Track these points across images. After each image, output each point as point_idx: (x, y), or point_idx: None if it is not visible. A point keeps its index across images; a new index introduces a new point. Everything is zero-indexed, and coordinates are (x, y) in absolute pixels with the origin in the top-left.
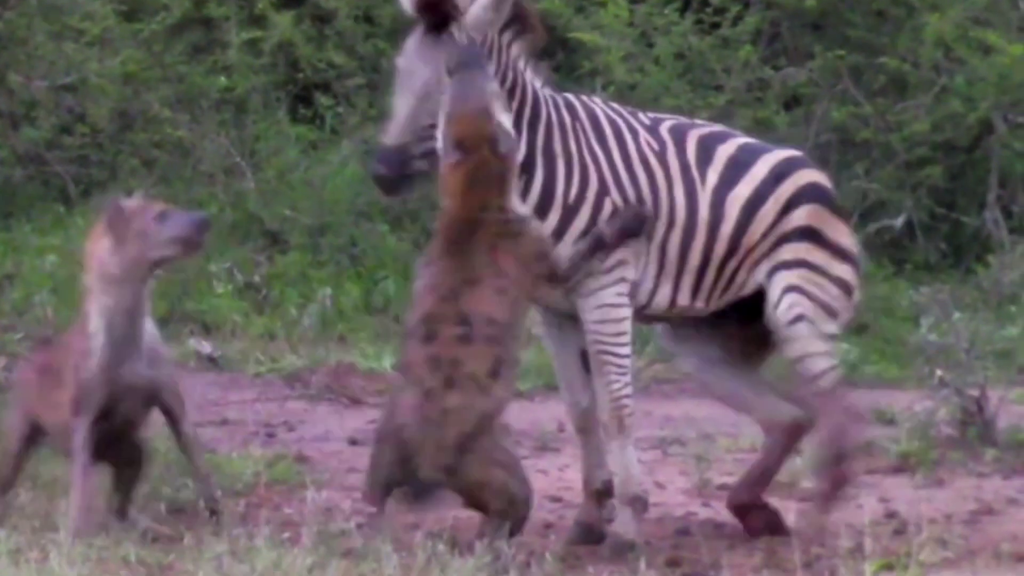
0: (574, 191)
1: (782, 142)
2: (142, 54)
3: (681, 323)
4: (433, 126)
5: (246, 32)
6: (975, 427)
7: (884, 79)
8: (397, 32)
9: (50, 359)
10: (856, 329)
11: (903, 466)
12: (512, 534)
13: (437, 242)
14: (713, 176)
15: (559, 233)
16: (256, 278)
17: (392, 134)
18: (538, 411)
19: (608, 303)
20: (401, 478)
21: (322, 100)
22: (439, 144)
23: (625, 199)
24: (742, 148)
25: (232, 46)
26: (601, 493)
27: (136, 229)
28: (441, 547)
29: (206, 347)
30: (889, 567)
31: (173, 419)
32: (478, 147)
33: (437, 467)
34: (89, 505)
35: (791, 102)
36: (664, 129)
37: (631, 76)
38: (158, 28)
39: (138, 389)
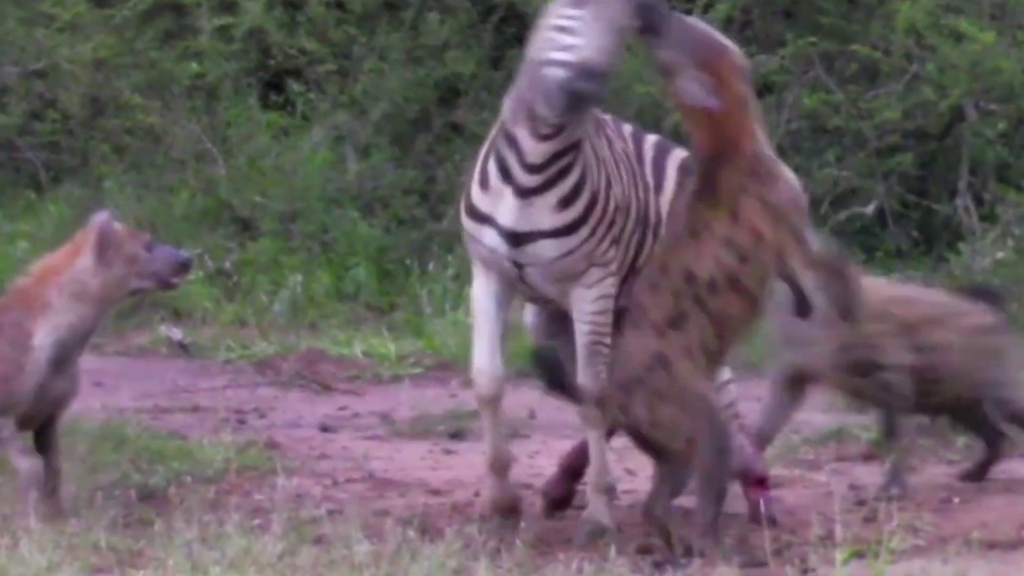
0: (602, 184)
1: None
2: (113, 40)
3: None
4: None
5: (217, 18)
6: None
7: (855, 66)
8: (368, 18)
9: None
10: None
11: (873, 454)
12: (710, 491)
13: (693, 182)
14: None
15: (580, 222)
16: (227, 265)
17: (594, 55)
18: (509, 398)
19: (607, 294)
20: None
21: (293, 86)
22: (687, 84)
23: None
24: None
25: (203, 32)
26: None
27: (127, 254)
28: (412, 534)
29: (177, 334)
30: (860, 554)
31: (55, 417)
32: (733, 82)
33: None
34: (37, 490)
35: (762, 89)
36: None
37: None
38: (130, 14)
39: (59, 401)
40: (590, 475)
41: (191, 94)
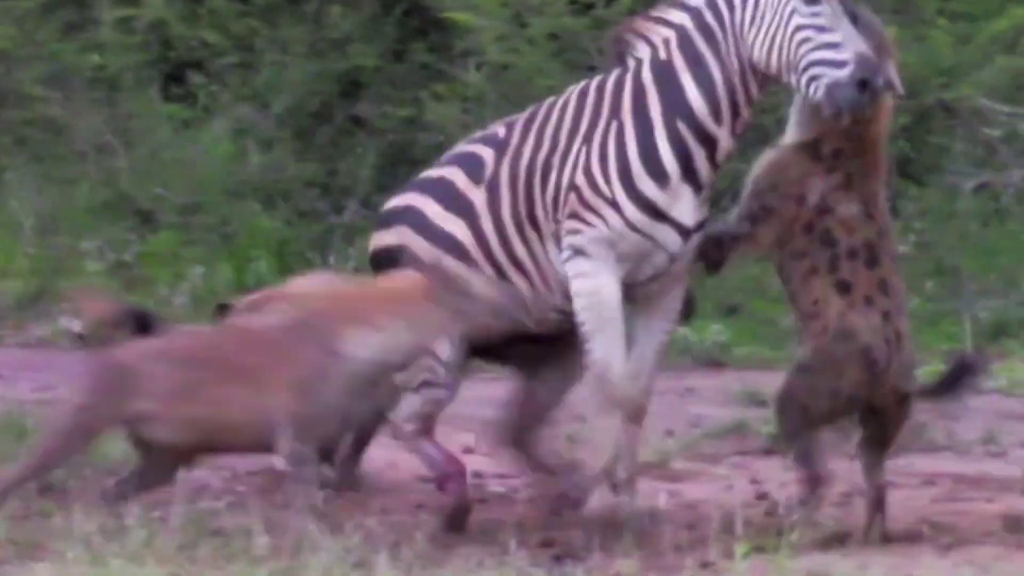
0: None
1: None
2: (14, 31)
3: None
4: None
5: (119, 10)
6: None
7: None
8: (270, 11)
9: None
10: (728, 311)
11: (774, 448)
12: None
13: (866, 173)
14: None
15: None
16: (127, 257)
17: (863, 46)
18: None
19: None
20: (848, 406)
21: (195, 79)
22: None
23: None
24: None
25: (105, 24)
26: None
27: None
28: (312, 527)
29: (76, 325)
30: (760, 549)
31: None
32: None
33: (892, 390)
34: None
35: None
36: None
37: (505, 56)
38: (31, 5)
39: None
40: (605, 462)
41: (92, 86)
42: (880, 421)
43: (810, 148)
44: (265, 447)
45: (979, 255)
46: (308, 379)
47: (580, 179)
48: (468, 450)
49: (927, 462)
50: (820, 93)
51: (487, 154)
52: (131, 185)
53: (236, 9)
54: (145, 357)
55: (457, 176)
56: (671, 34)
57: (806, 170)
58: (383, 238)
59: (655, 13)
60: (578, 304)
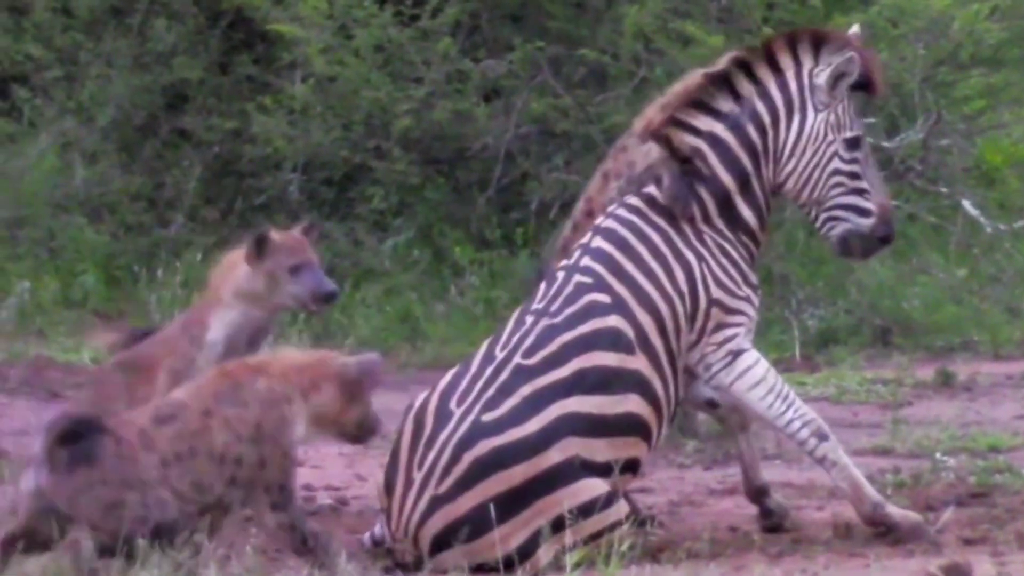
0: None
1: (482, 134)
2: None
3: None
4: None
5: None
6: (676, 419)
7: (584, 71)
8: (95, 24)
9: None
10: None
11: None
12: None
13: None
14: None
15: None
16: None
17: (887, 200)
18: None
19: None
20: None
21: (19, 92)
22: None
23: None
24: None
25: None
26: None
27: None
28: (142, 541)
29: None
30: (590, 560)
31: None
32: None
33: None
34: None
35: (491, 94)
36: None
37: (330, 68)
38: None
39: None
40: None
41: None
42: None
43: None
44: None
45: (807, 263)
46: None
47: (718, 293)
48: (299, 463)
49: None
50: (836, 232)
51: (617, 322)
52: None
53: (60, 22)
54: None
55: (607, 358)
56: (701, 144)
57: None
58: None
59: (679, 116)
60: (759, 391)
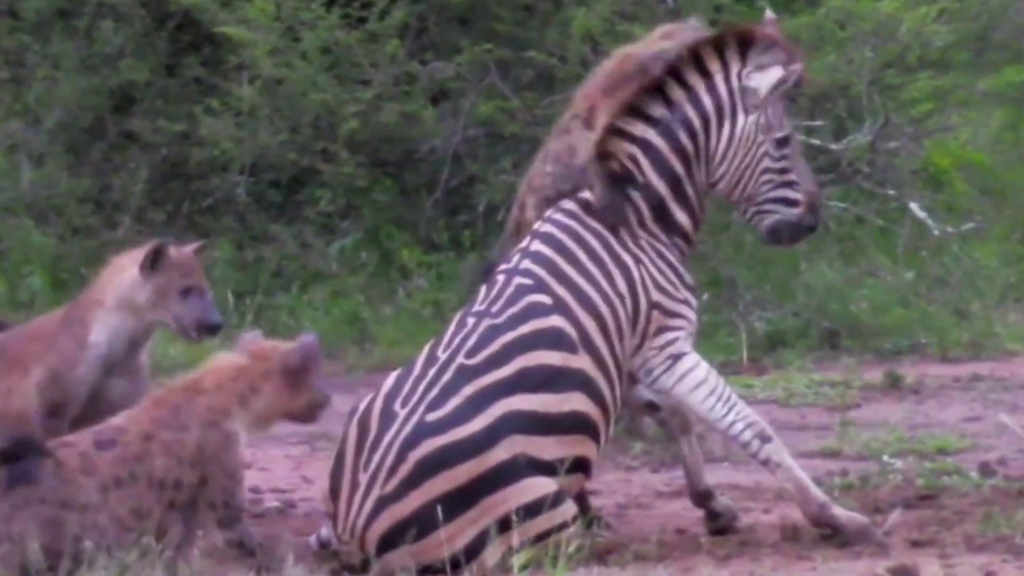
0: None
1: (429, 136)
2: None
3: None
4: None
5: None
6: (622, 421)
7: (532, 73)
8: (41, 26)
9: None
10: None
11: None
12: None
13: None
14: None
15: None
16: None
17: (815, 188)
18: None
19: None
20: None
21: None
22: None
23: None
24: None
25: None
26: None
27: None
28: (88, 543)
29: None
30: (537, 561)
31: None
32: None
33: None
34: None
35: (438, 96)
36: None
37: (278, 71)
38: None
39: None
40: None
41: None
42: None
43: None
44: None
45: (754, 266)
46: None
47: (657, 296)
48: (245, 466)
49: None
50: (765, 224)
51: (559, 322)
52: None
53: (7, 24)
54: None
55: (550, 357)
56: (636, 151)
57: None
58: None
59: (615, 124)
60: (700, 394)
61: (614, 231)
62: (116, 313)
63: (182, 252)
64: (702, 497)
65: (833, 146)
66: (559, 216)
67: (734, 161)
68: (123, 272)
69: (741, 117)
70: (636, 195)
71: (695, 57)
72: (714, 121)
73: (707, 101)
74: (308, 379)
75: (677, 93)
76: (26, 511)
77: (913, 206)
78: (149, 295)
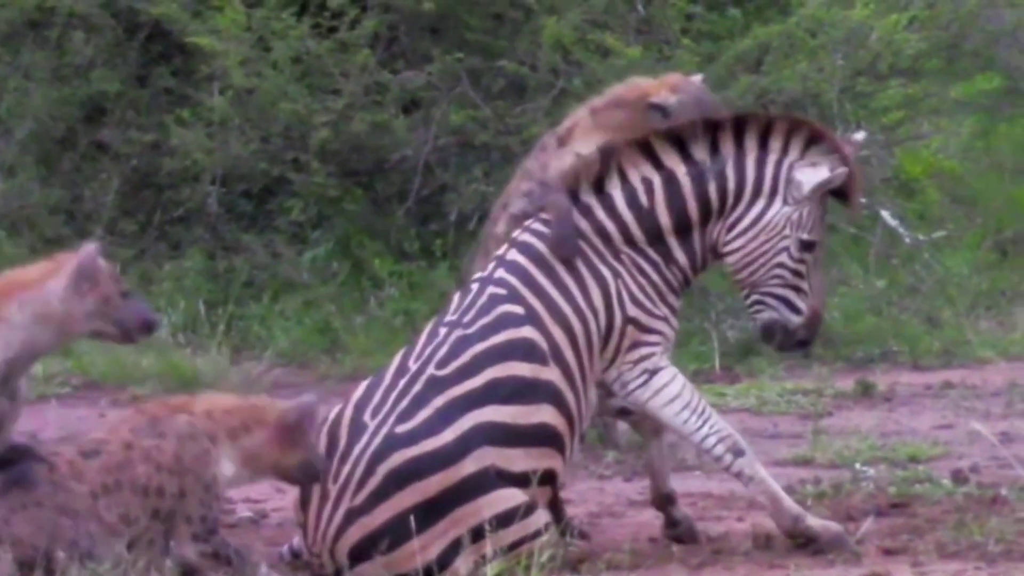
0: None
1: (401, 146)
2: None
3: None
4: None
5: None
6: (595, 429)
7: (502, 82)
8: (12, 37)
9: None
10: None
11: None
12: None
13: None
14: None
15: None
16: None
17: (822, 306)
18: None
19: None
20: None
21: None
22: None
23: None
24: None
25: None
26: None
27: (103, 293)
28: (61, 554)
29: None
30: (510, 571)
31: None
32: None
33: None
34: None
35: (410, 105)
36: None
37: (249, 80)
38: None
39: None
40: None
41: None
42: None
43: None
44: None
45: (726, 275)
46: None
47: (634, 311)
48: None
49: (676, 482)
50: (762, 318)
51: (530, 333)
52: None
53: None
54: None
55: (521, 368)
56: (655, 177)
57: None
58: None
59: (652, 142)
60: (674, 408)
61: (592, 244)
62: (21, 329)
63: (103, 257)
64: (664, 501)
65: None
66: (538, 225)
67: (753, 242)
68: (31, 285)
69: (778, 203)
70: (629, 213)
71: (764, 125)
72: (749, 193)
73: (751, 170)
74: (303, 438)
75: (727, 147)
76: (22, 514)
77: (884, 214)
78: (89, 307)
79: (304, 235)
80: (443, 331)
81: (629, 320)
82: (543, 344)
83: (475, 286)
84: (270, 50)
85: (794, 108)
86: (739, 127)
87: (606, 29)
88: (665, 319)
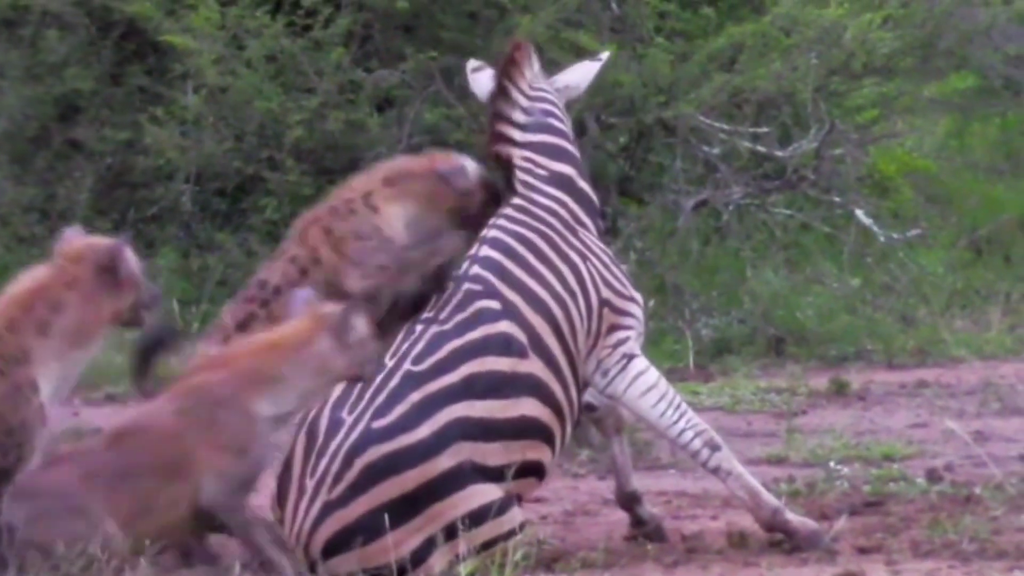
0: None
1: (375, 144)
2: None
3: None
4: None
5: None
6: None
7: None
8: None
9: None
10: None
11: None
12: None
13: None
14: None
15: None
16: None
17: None
18: None
19: None
20: None
21: None
22: None
23: None
24: None
25: None
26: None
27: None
28: (33, 552)
29: None
30: (484, 568)
31: None
32: None
33: None
34: None
35: (384, 104)
36: None
37: (223, 79)
38: None
39: None
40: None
41: None
42: None
43: None
44: None
45: (700, 273)
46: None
47: (607, 293)
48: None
49: (651, 480)
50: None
51: (508, 327)
52: None
53: None
54: None
55: (498, 363)
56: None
57: None
58: None
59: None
60: (651, 398)
61: (557, 229)
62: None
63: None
64: (628, 500)
65: (778, 153)
66: (502, 221)
67: None
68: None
69: None
70: (568, 198)
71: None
72: None
73: None
74: (124, 276)
75: None
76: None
77: (859, 213)
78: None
79: (278, 233)
80: (419, 327)
81: (604, 302)
82: (521, 337)
83: (451, 283)
84: (244, 48)
85: (768, 107)
86: None
87: (580, 27)
88: (633, 299)
